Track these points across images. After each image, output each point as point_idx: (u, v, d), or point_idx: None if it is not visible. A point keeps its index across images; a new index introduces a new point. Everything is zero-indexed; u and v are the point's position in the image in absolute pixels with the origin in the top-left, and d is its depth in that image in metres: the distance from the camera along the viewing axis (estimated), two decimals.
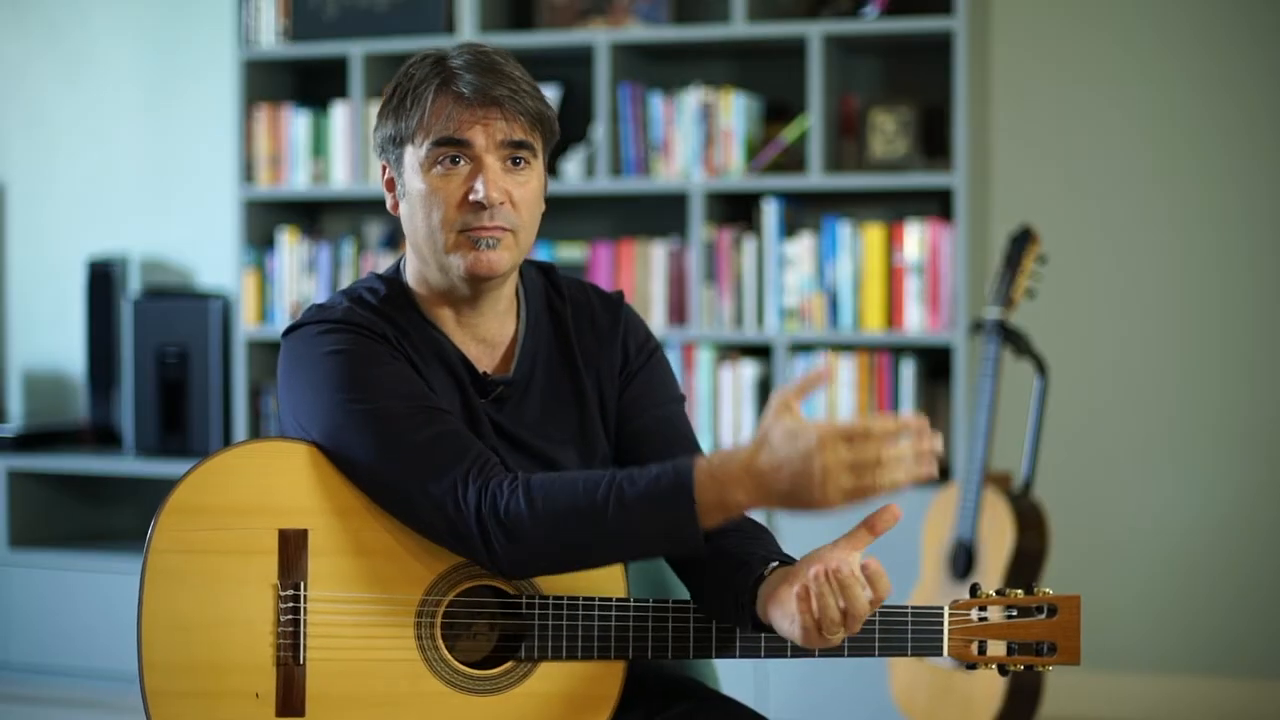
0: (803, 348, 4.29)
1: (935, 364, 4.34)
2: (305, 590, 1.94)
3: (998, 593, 1.92)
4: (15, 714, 4.43)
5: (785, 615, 1.84)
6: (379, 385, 1.97)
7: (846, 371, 4.22)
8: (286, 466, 1.96)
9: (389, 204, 2.10)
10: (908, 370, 4.19)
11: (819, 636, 1.81)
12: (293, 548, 1.94)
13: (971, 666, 1.91)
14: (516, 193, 2.02)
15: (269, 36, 4.68)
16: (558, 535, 1.88)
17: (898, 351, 4.26)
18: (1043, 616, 1.90)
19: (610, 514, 1.86)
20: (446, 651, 1.96)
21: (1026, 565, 3.65)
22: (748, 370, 4.31)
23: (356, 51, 4.56)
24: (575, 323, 2.15)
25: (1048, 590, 1.91)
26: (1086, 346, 4.38)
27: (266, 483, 1.95)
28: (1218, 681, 4.28)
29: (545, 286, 2.17)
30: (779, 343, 4.26)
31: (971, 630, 1.89)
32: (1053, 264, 4.14)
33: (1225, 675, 4.28)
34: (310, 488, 1.96)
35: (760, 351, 4.40)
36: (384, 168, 2.09)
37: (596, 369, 2.14)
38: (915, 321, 4.19)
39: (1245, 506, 4.28)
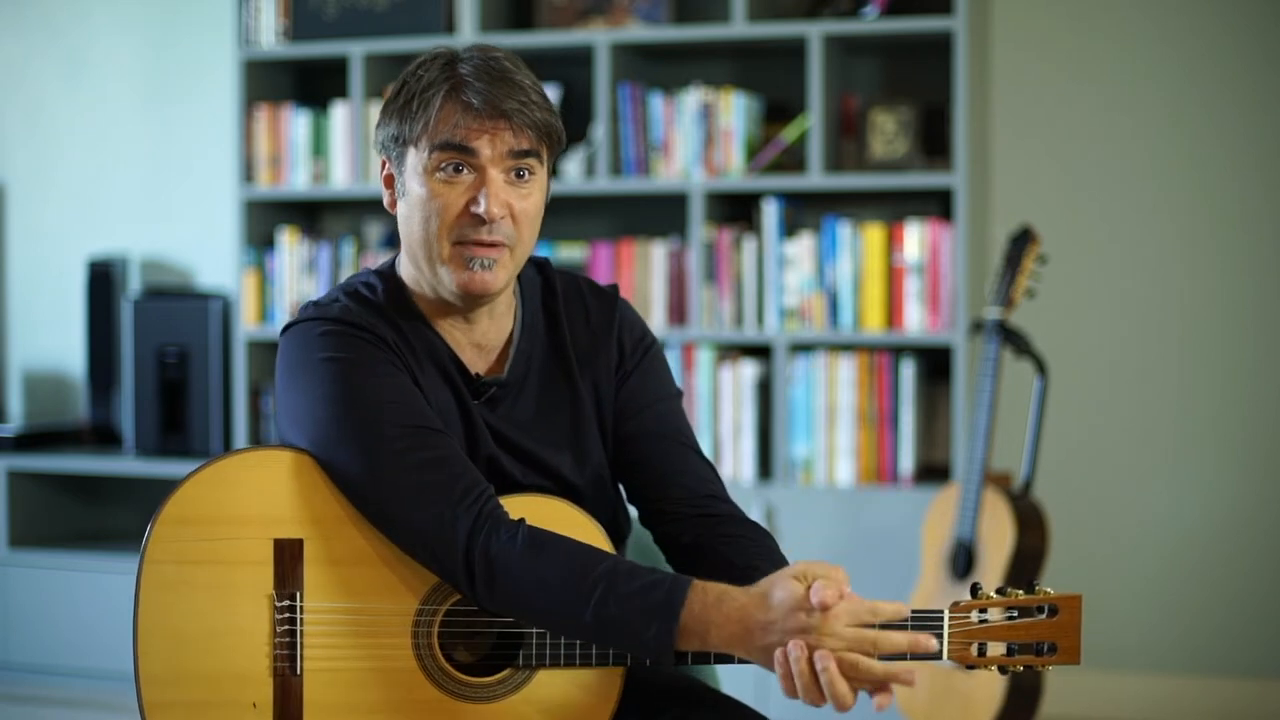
0: (803, 348, 4.29)
1: (935, 364, 4.34)
2: (301, 600, 1.93)
3: (998, 592, 1.88)
4: (15, 714, 4.43)
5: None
6: (374, 400, 1.96)
7: (846, 371, 4.22)
8: (280, 476, 1.95)
9: (386, 200, 2.07)
10: (908, 370, 4.19)
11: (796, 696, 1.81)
12: (288, 558, 1.94)
13: (971, 668, 1.88)
14: (518, 205, 1.99)
15: (269, 36, 4.67)
16: (537, 596, 1.88)
17: (898, 351, 4.25)
18: (1043, 616, 1.86)
19: (595, 599, 1.86)
20: (444, 659, 1.96)
21: (1026, 565, 3.65)
22: (748, 370, 4.31)
23: (356, 51, 4.56)
24: (569, 321, 2.12)
25: (1048, 590, 1.88)
26: (1086, 346, 4.37)
27: (260, 492, 1.94)
28: (1218, 681, 4.28)
29: (541, 285, 2.15)
30: (779, 343, 4.25)
31: (972, 633, 1.85)
32: (1053, 264, 4.13)
33: (1225, 675, 4.28)
34: (304, 497, 1.95)
35: (760, 351, 4.40)
36: (384, 163, 2.05)
37: (592, 367, 2.12)
38: (915, 321, 4.18)
39: (1245, 506, 4.27)
